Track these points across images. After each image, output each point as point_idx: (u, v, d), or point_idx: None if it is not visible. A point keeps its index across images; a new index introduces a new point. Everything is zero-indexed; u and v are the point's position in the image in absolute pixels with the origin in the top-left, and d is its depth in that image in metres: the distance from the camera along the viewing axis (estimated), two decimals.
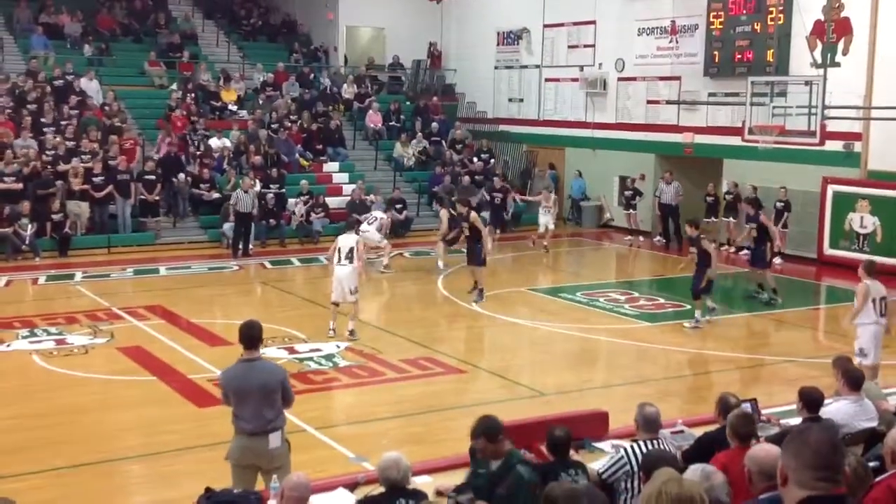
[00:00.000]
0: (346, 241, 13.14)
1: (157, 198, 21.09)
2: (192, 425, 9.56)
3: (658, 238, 22.33)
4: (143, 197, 20.83)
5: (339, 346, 12.62)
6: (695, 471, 4.10)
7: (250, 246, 20.12)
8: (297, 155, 24.18)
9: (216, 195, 21.53)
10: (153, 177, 21.09)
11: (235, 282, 18.12)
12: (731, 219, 20.90)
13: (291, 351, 12.36)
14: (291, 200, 22.17)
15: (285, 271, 19.07)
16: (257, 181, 21.25)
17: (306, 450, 8.23)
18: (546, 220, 20.91)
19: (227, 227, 20.42)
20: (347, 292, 12.96)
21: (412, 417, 10.13)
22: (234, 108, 25.45)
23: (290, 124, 24.93)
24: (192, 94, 24.93)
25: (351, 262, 12.94)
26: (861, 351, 10.48)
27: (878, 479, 4.79)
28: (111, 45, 26.80)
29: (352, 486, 6.44)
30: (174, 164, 21.84)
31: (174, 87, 25.18)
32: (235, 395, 6.63)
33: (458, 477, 6.55)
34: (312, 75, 27.92)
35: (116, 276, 17.83)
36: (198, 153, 22.70)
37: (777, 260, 19.40)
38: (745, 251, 18.52)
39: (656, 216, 22.45)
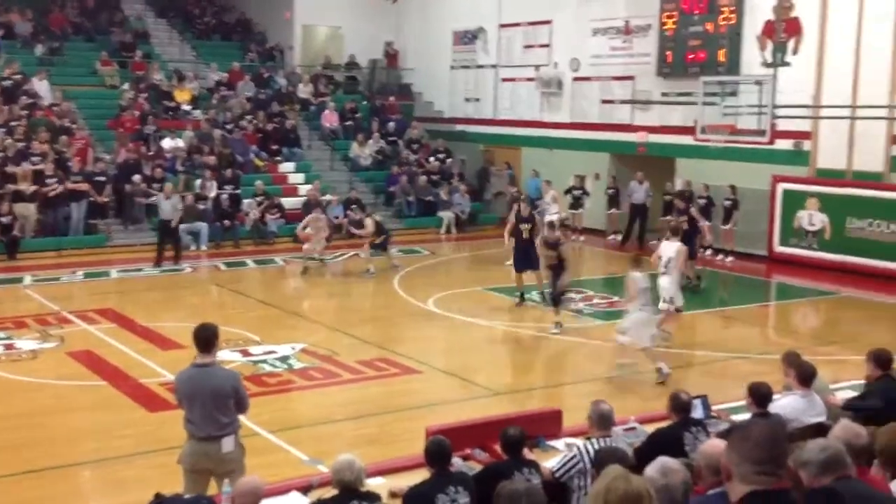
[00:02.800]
0: None
1: (106, 199, 20.80)
2: (144, 430, 9.44)
3: (613, 237, 22.48)
4: (92, 199, 20.53)
5: (294, 348, 12.55)
6: (655, 466, 4.12)
7: (199, 252, 19.74)
8: (251, 155, 24.01)
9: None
10: (103, 178, 20.82)
11: (188, 284, 17.93)
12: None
13: (245, 353, 12.25)
14: (246, 201, 22.01)
15: (240, 273, 18.92)
16: (213, 183, 21.04)
17: (260, 453, 8.18)
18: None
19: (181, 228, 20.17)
20: None
21: (368, 419, 10.11)
22: (188, 107, 25.19)
23: (244, 124, 24.75)
24: (145, 94, 24.64)
25: None
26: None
27: None
28: (63, 44, 26.39)
29: (305, 489, 6.41)
30: (133, 168, 21.57)
31: (125, 86, 24.86)
32: (187, 400, 6.55)
33: (414, 478, 6.55)
34: (268, 75, 27.74)
35: (66, 280, 17.55)
36: (149, 153, 22.46)
37: (728, 259, 19.69)
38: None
39: (608, 215, 22.65)
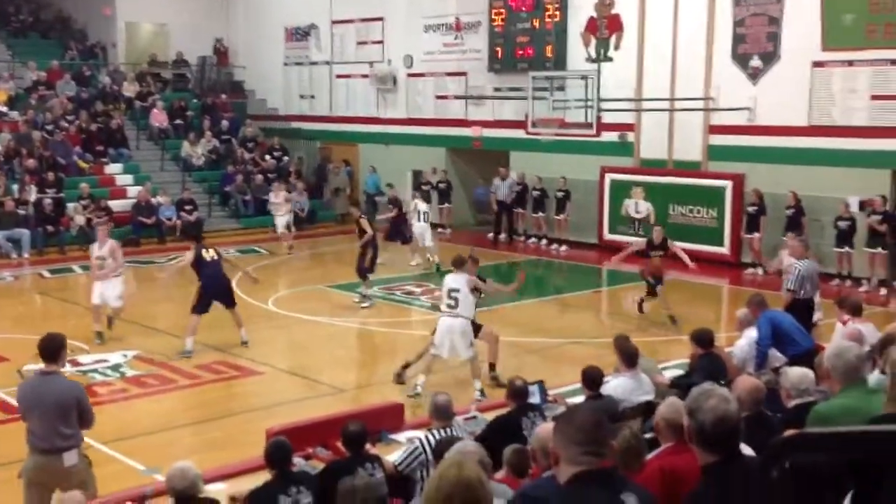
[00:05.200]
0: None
1: None
2: None
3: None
4: None
5: (126, 356, 12.10)
6: (452, 450, 4.25)
7: (21, 259, 18.72)
8: (75, 157, 22.94)
9: None
10: None
11: (10, 294, 16.99)
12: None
13: (75, 363, 11.69)
14: (71, 205, 21.03)
15: (66, 280, 18.07)
16: (33, 187, 20.00)
17: (96, 466, 7.78)
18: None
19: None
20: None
21: (208, 423, 9.89)
22: (4, 109, 23.80)
23: (66, 125, 23.63)
24: None
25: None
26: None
27: (650, 455, 5.07)
28: None
29: (139, 500, 6.22)
30: None
31: None
32: (29, 410, 6.45)
33: (256, 480, 6.45)
34: (90, 73, 26.57)
35: None
36: None
37: (562, 248, 20.38)
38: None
39: (440, 209, 22.91)
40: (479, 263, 11.55)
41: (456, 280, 10.65)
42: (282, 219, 21.37)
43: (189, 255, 12.89)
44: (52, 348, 6.49)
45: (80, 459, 6.49)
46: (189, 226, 13.53)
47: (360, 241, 15.46)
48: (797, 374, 5.95)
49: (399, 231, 18.77)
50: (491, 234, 22.05)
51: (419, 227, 18.55)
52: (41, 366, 6.51)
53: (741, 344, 9.20)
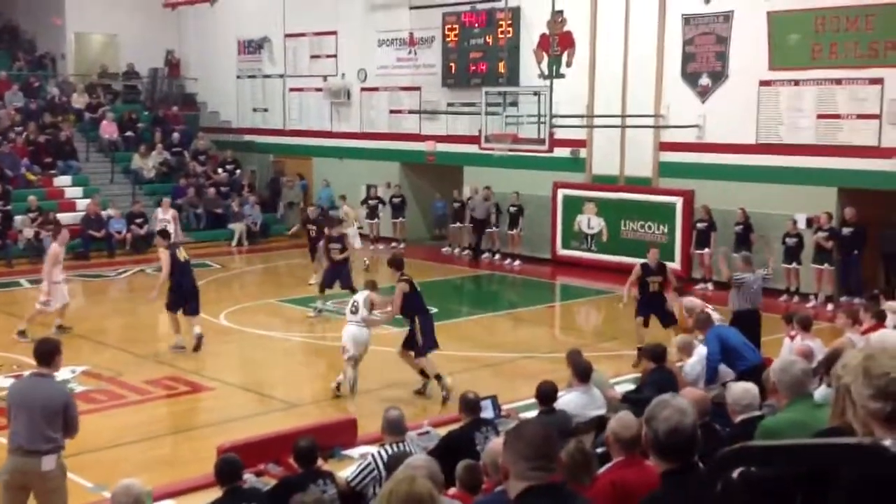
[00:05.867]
0: None
1: None
2: None
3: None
4: None
5: (73, 371, 11.90)
6: (402, 466, 4.27)
7: None
8: (23, 169, 22.56)
9: None
10: None
11: None
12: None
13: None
14: (18, 218, 20.67)
15: (13, 294, 17.72)
16: None
17: None
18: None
19: None
20: None
21: (157, 440, 9.76)
22: None
23: (14, 136, 23.24)
24: None
25: None
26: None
27: (601, 469, 5.11)
28: None
29: None
30: None
31: None
32: (15, 407, 6.57)
33: (206, 498, 6.38)
34: (38, 84, 26.18)
35: None
36: None
37: (516, 262, 20.49)
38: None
39: (394, 223, 22.96)
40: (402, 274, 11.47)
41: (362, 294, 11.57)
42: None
43: (165, 256, 13.06)
44: (46, 352, 6.66)
45: (57, 466, 6.57)
46: (162, 231, 13.71)
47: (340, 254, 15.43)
48: (739, 389, 6.06)
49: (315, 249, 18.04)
50: (447, 249, 22.12)
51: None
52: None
53: (692, 362, 9.32)
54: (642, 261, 12.98)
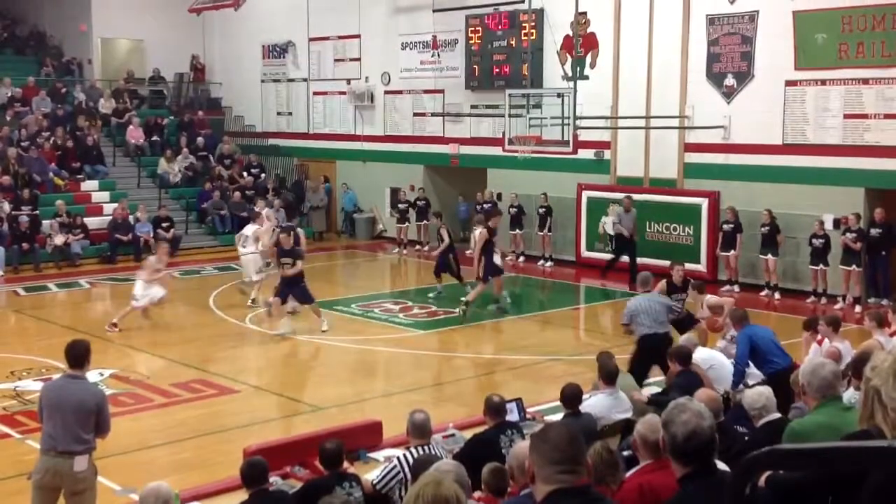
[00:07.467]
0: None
1: None
2: None
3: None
4: None
5: (102, 374, 12.00)
6: (430, 469, 4.27)
7: None
8: (51, 174, 22.79)
9: None
10: None
11: None
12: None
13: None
14: (46, 223, 20.88)
15: (42, 298, 17.91)
16: (6, 203, 19.83)
17: None
18: None
19: None
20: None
21: (184, 443, 9.81)
22: None
23: (42, 141, 23.48)
24: None
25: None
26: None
27: (629, 472, 5.08)
28: None
29: None
30: None
31: None
32: (48, 409, 6.64)
33: (232, 501, 6.41)
34: (65, 90, 26.43)
35: None
36: None
37: (548, 264, 20.43)
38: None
39: (418, 226, 22.89)
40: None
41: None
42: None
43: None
44: (78, 354, 6.75)
45: (88, 467, 6.63)
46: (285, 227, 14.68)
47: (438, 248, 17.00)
48: (751, 395, 6.05)
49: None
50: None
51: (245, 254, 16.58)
52: None
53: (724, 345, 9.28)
54: (667, 279, 12.14)
